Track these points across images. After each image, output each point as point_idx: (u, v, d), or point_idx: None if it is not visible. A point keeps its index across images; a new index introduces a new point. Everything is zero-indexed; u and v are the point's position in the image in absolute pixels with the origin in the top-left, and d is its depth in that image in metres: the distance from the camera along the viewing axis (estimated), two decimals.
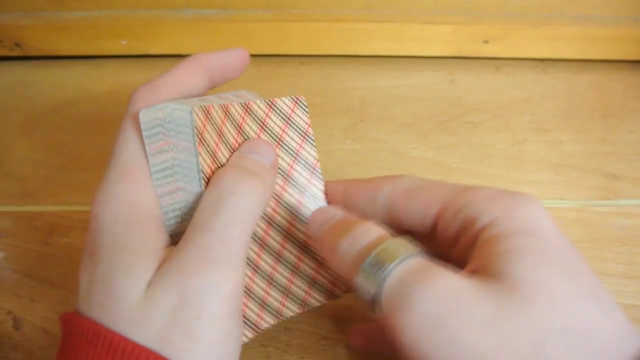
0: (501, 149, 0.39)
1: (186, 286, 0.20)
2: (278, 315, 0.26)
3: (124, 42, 0.43)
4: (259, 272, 0.26)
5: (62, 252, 0.34)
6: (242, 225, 0.22)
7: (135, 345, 0.20)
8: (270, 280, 0.26)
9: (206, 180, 0.23)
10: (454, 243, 0.23)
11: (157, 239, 0.22)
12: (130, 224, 0.22)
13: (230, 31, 0.43)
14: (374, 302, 0.20)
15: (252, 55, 0.45)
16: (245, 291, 0.25)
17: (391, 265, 0.20)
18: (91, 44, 0.43)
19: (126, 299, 0.20)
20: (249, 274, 0.25)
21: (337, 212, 0.24)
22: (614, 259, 0.33)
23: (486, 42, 0.43)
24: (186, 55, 0.46)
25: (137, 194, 0.23)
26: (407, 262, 0.20)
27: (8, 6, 0.42)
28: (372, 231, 0.22)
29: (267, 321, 0.26)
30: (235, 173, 0.23)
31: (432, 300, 0.18)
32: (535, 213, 0.21)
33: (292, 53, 0.44)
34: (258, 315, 0.25)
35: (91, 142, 0.39)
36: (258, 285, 0.26)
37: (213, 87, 0.28)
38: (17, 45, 0.43)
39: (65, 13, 0.42)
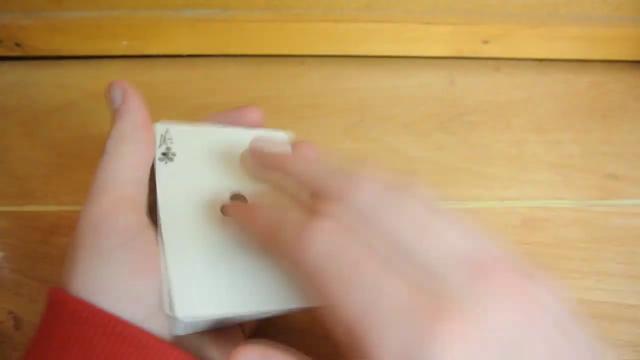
0: (501, 149, 0.39)
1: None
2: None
3: (124, 42, 0.43)
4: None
5: (62, 251, 0.33)
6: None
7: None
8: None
9: None
10: None
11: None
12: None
13: (230, 31, 0.43)
14: None
15: (252, 56, 0.46)
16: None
17: None
18: (91, 44, 0.43)
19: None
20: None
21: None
22: (613, 259, 0.33)
23: (486, 42, 0.43)
24: (187, 56, 0.46)
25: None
26: None
27: (8, 6, 0.42)
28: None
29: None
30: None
31: None
32: None
33: (292, 53, 0.44)
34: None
35: (91, 142, 0.39)
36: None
37: None
38: (17, 45, 0.43)
39: (66, 13, 0.42)
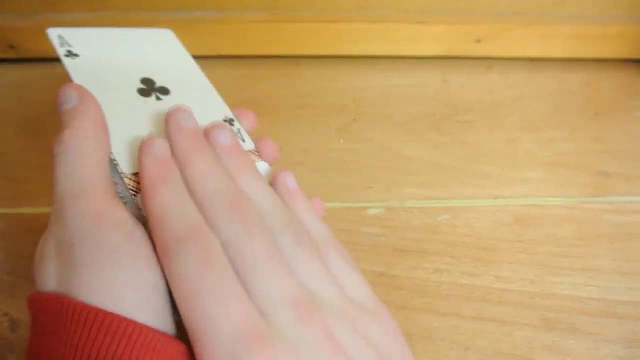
0: (494, 147, 0.40)
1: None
2: None
3: None
4: None
5: None
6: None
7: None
8: None
9: None
10: None
11: None
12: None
13: (225, 32, 0.43)
14: None
15: (246, 57, 0.46)
16: None
17: None
18: None
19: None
20: None
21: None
22: (606, 256, 0.34)
23: (478, 41, 0.44)
24: None
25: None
26: None
27: (1, 8, 0.42)
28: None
29: None
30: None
31: None
32: None
33: (286, 54, 0.44)
34: None
35: None
36: None
37: None
38: (12, 47, 0.43)
39: (60, 15, 0.42)
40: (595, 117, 0.42)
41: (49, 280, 0.22)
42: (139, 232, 0.22)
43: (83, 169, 0.23)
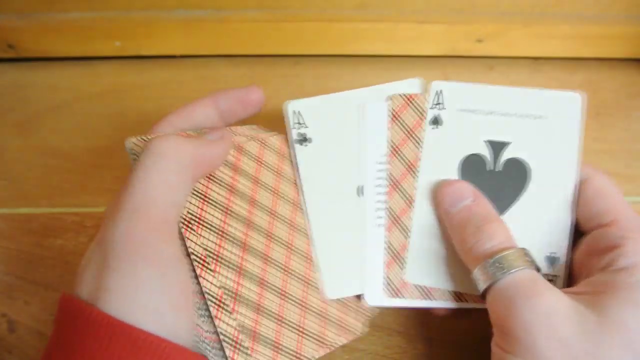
0: None
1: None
2: (296, 357, 0.25)
3: (117, 44, 0.43)
4: (265, 312, 0.25)
5: (56, 254, 0.34)
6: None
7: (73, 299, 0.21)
8: (279, 320, 0.25)
9: None
10: (587, 250, 0.25)
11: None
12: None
13: (224, 32, 0.43)
14: (482, 294, 0.24)
15: (246, 56, 0.46)
16: (253, 334, 0.24)
17: (507, 274, 0.23)
18: (84, 45, 0.43)
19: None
20: (253, 315, 0.24)
21: (467, 192, 0.26)
22: None
23: (479, 41, 0.43)
24: (180, 57, 0.46)
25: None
26: (520, 274, 0.23)
27: (0, 8, 0.42)
28: (498, 235, 0.25)
29: None
30: None
31: (530, 314, 0.21)
32: None
33: (286, 53, 0.44)
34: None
35: (85, 143, 0.39)
36: (267, 326, 0.24)
37: (225, 120, 0.29)
38: (10, 46, 0.43)
39: (58, 14, 0.42)
40: (596, 116, 0.42)
41: (84, 287, 0.21)
42: (179, 273, 0.22)
43: (148, 187, 0.22)
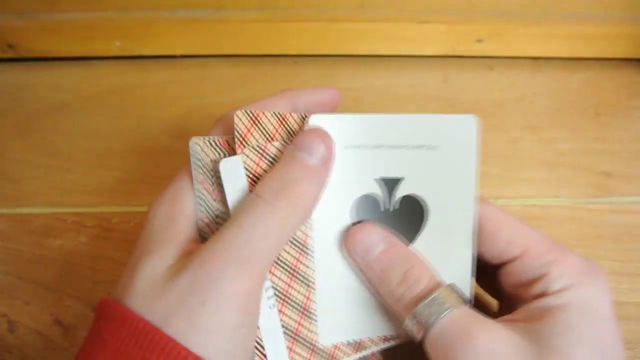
0: (495, 147, 0.39)
1: (199, 273, 0.21)
2: None
3: (117, 44, 0.43)
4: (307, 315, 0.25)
5: (56, 254, 0.34)
6: (271, 234, 0.22)
7: (140, 320, 0.21)
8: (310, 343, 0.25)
9: None
10: (512, 282, 0.25)
11: (184, 232, 0.23)
12: (163, 219, 0.24)
13: (224, 32, 0.43)
14: (420, 341, 0.23)
15: (246, 56, 0.46)
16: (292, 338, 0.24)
17: (440, 318, 0.22)
18: (84, 46, 0.43)
19: (142, 278, 0.22)
20: (297, 317, 0.24)
21: (377, 236, 0.25)
22: (607, 256, 0.33)
23: (480, 41, 0.43)
24: (180, 57, 0.46)
25: (179, 198, 0.24)
26: (452, 314, 0.22)
27: (0, 8, 0.42)
28: (423, 276, 0.24)
29: None
30: (276, 185, 0.23)
31: (469, 357, 0.21)
32: (601, 295, 0.23)
33: (286, 53, 0.44)
34: None
35: (85, 143, 0.39)
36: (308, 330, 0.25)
37: None
38: (10, 46, 0.43)
39: (58, 14, 0.42)
40: (596, 116, 0.42)
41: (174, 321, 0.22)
42: (256, 321, 0.23)
43: (261, 236, 0.22)
